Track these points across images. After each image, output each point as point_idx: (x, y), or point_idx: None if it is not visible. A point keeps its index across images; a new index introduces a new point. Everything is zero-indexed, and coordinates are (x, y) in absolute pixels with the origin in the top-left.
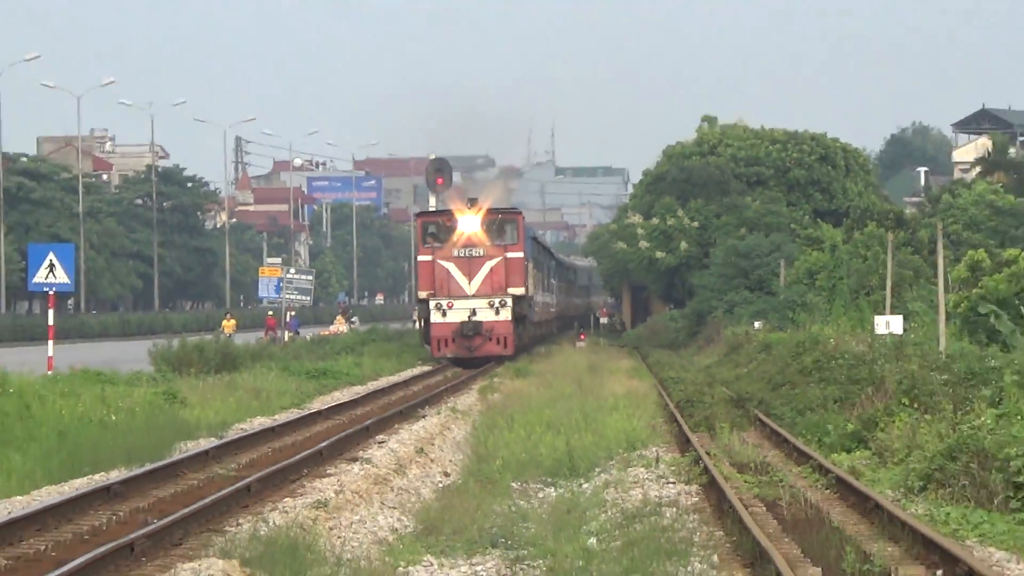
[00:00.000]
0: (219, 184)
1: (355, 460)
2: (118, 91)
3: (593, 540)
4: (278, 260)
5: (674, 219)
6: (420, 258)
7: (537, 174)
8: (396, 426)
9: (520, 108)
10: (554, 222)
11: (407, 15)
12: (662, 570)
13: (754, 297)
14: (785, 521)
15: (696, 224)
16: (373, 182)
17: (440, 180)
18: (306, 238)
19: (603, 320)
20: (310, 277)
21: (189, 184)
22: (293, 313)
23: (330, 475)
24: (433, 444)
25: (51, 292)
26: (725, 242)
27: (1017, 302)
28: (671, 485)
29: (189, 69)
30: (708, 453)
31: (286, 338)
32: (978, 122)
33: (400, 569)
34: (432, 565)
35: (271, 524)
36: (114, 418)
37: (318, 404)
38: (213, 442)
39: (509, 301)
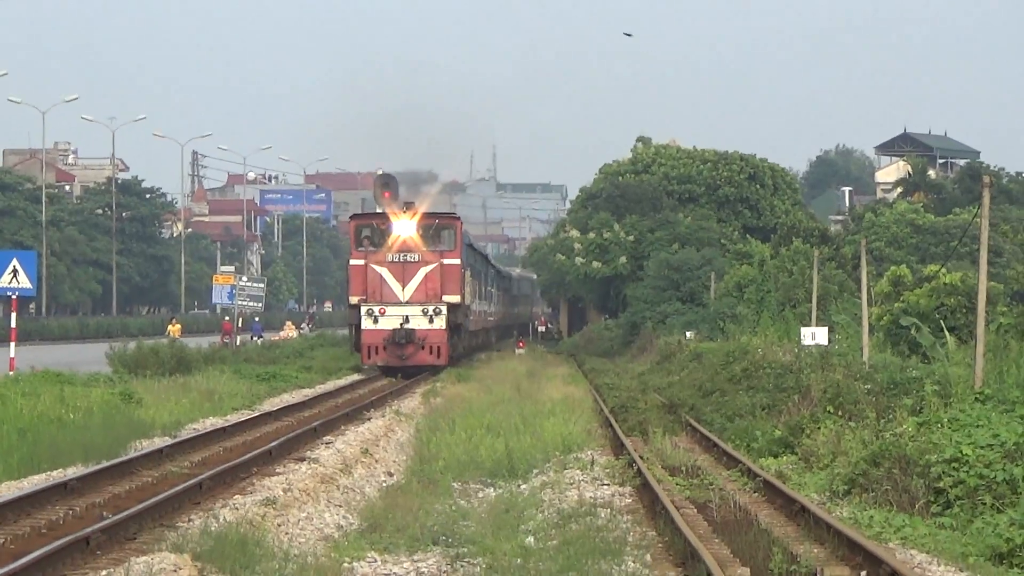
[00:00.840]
0: (176, 196)
1: (303, 460)
2: (81, 107)
3: (531, 539)
4: (231, 268)
5: (610, 233)
6: (352, 262)
7: (479, 189)
8: (343, 427)
9: (463, 127)
10: (495, 235)
11: (356, 33)
12: (596, 569)
13: (686, 308)
14: (715, 522)
15: (631, 238)
16: (323, 195)
17: (387, 194)
18: (258, 248)
19: (541, 329)
20: (262, 285)
21: (147, 195)
22: (257, 319)
23: (279, 474)
24: (378, 445)
25: (14, 296)
26: (658, 256)
27: (937, 316)
28: (606, 487)
29: (150, 86)
30: (641, 456)
31: (256, 341)
32: (899, 145)
33: (345, 565)
34: (376, 561)
35: (222, 520)
36: (72, 417)
37: (268, 406)
38: (167, 441)
39: (444, 309)
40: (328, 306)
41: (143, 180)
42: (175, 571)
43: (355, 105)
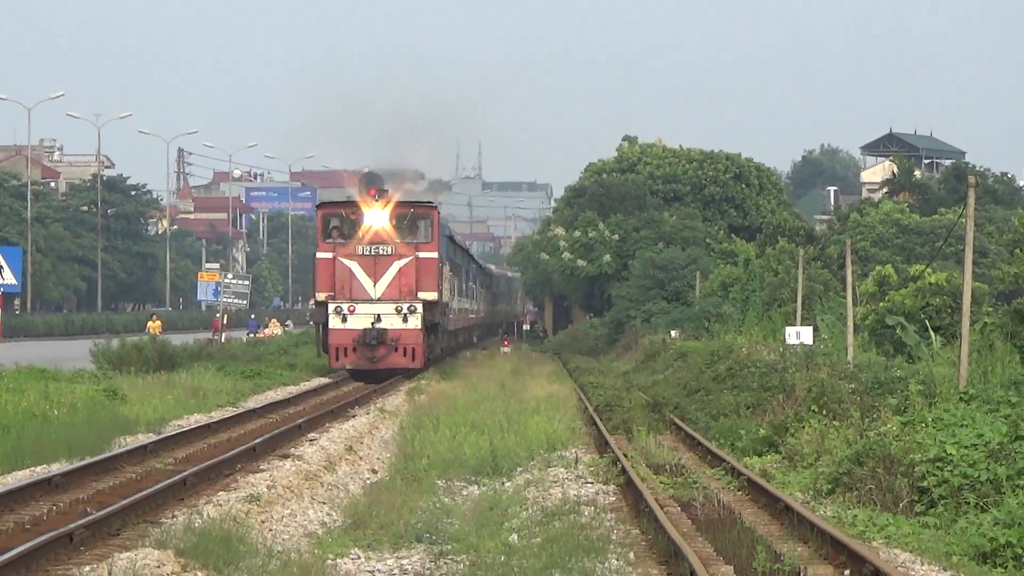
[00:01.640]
0: (162, 193)
1: (287, 457)
2: (67, 104)
3: (514, 536)
4: (216, 266)
5: (595, 231)
6: (319, 255)
7: (465, 188)
8: (327, 425)
9: (449, 120)
10: (481, 233)
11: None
12: (580, 566)
13: (671, 307)
14: (699, 521)
15: (616, 237)
16: (308, 193)
17: (372, 191)
18: (243, 245)
19: (526, 327)
20: (246, 282)
21: (133, 192)
22: (253, 316)
23: (263, 471)
24: (362, 442)
25: None
26: (643, 255)
27: (922, 315)
28: (590, 485)
29: (136, 82)
30: (625, 455)
31: (252, 337)
32: (885, 145)
33: (328, 561)
34: (359, 558)
35: (205, 516)
36: (56, 413)
37: (253, 403)
38: (151, 437)
39: (419, 307)
40: (312, 303)
41: (128, 177)
42: (158, 567)
43: (337, 99)
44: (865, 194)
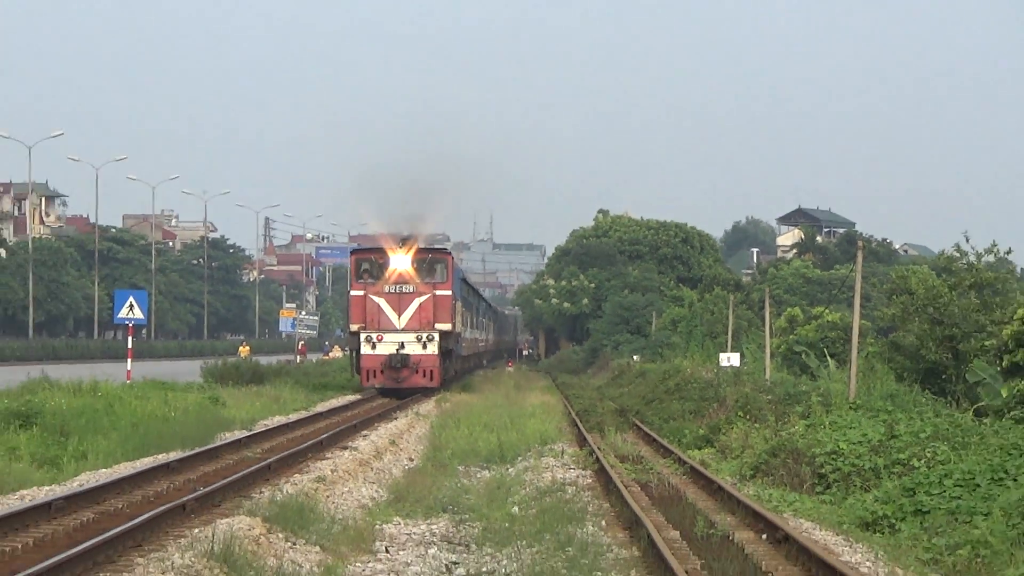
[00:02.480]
0: (252, 251)
1: (346, 448)
2: (182, 182)
3: (516, 508)
4: (293, 305)
5: (576, 281)
6: (353, 292)
7: (479, 248)
8: (376, 425)
9: (465, 190)
10: (491, 282)
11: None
12: (565, 531)
13: (633, 338)
14: (654, 497)
15: (592, 285)
16: None
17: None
18: (314, 290)
19: (525, 353)
20: (316, 318)
21: (231, 250)
22: (328, 342)
23: (328, 458)
24: (402, 438)
25: (130, 324)
26: (613, 299)
27: (821, 345)
28: (572, 470)
29: (235, 163)
30: (599, 448)
31: (325, 357)
32: (795, 217)
33: (376, 526)
34: (400, 524)
35: (285, 492)
36: (173, 415)
37: (320, 408)
38: (244, 433)
39: (436, 336)
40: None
41: (228, 238)
42: (250, 530)
43: (370, 171)
44: (780, 254)
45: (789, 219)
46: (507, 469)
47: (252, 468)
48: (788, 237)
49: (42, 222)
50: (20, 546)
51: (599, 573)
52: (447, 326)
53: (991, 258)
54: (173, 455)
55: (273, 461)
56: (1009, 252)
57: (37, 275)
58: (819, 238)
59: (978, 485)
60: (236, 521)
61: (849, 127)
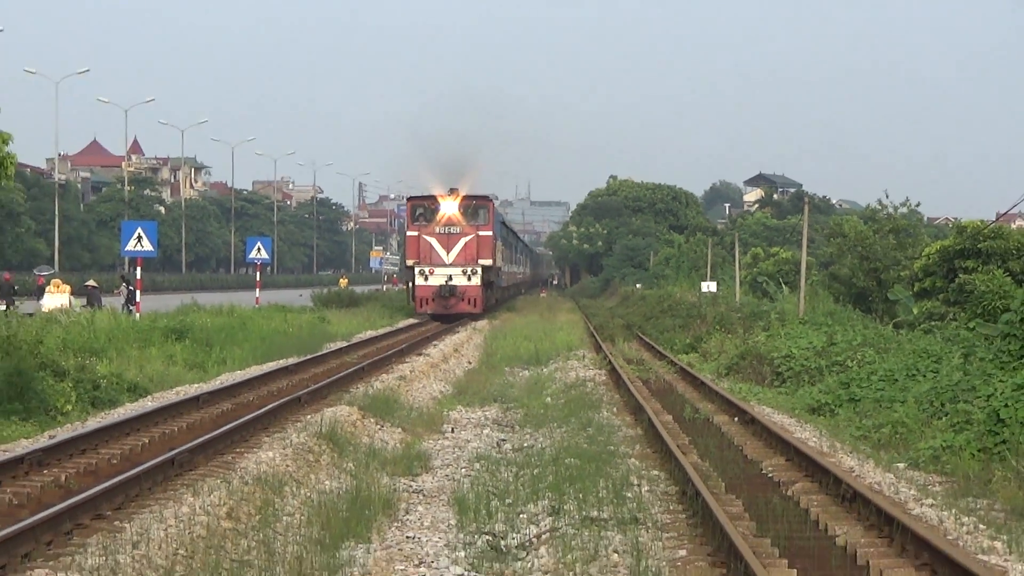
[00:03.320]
0: (349, 207)
1: (420, 355)
2: (297, 156)
3: (549, 399)
4: (380, 248)
5: (593, 229)
6: (409, 233)
7: (519, 204)
8: (443, 336)
9: (514, 157)
10: (528, 230)
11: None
12: (586, 415)
13: (636, 271)
14: (653, 390)
15: (605, 232)
16: None
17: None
18: (395, 236)
19: (554, 283)
20: (397, 257)
21: (332, 207)
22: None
23: (407, 362)
24: (463, 346)
25: (258, 263)
26: (621, 242)
27: (778, 276)
28: (591, 370)
29: (336, 136)
30: (611, 353)
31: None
32: (757, 180)
33: (444, 412)
34: (461, 411)
35: (375, 388)
36: (290, 330)
37: (401, 325)
38: (344, 344)
39: (479, 270)
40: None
41: (331, 199)
42: (348, 416)
43: (436, 136)
44: (746, 208)
45: (753, 181)
46: (542, 369)
47: (350, 370)
48: (752, 195)
49: (191, 187)
50: (176, 429)
51: (612, 447)
52: (488, 261)
53: (905, 210)
54: (291, 360)
55: (366, 364)
56: (918, 205)
57: (188, 227)
58: (776, 196)
59: (896, 379)
60: (338, 410)
61: (800, 106)
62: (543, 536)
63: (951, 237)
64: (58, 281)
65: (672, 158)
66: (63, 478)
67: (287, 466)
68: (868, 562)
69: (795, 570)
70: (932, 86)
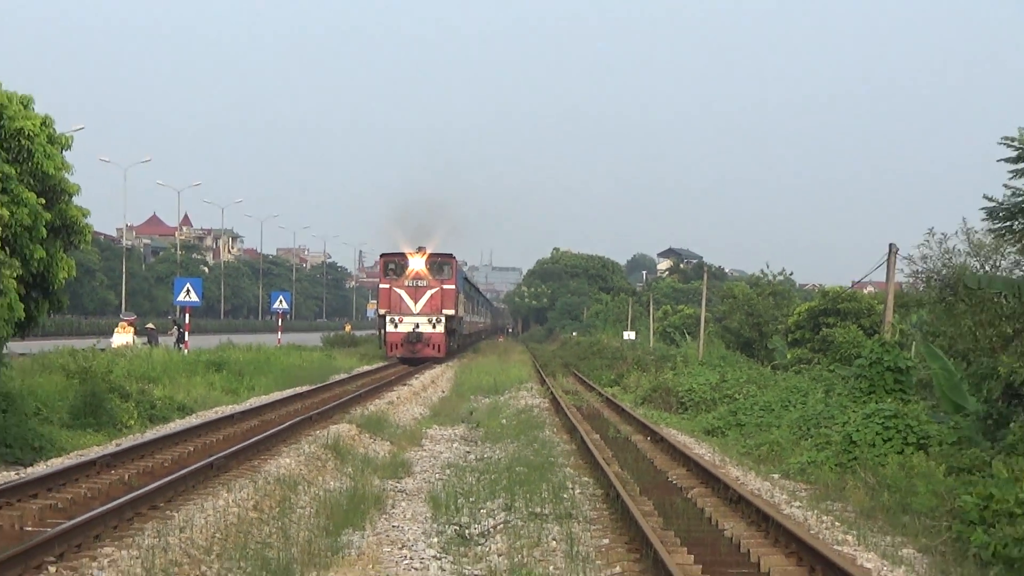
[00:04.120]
0: (352, 269)
1: (405, 384)
2: (312, 228)
3: (504, 420)
4: (375, 301)
5: (540, 289)
6: (381, 285)
7: (484, 269)
8: (423, 371)
9: (479, 226)
10: (490, 289)
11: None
12: (533, 433)
13: (573, 323)
14: (585, 415)
15: (550, 291)
16: None
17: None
18: None
19: (509, 331)
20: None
21: (338, 269)
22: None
23: (394, 390)
24: (438, 379)
25: (280, 312)
26: (561, 299)
27: (683, 328)
28: (537, 398)
29: (341, 211)
30: (552, 386)
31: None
32: (668, 253)
33: (423, 429)
34: (437, 429)
35: (369, 410)
36: (304, 364)
37: (390, 362)
38: (345, 375)
39: (443, 319)
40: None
41: (337, 262)
42: (349, 431)
43: (410, 205)
44: (659, 274)
45: (665, 254)
46: (499, 397)
47: (350, 396)
48: (664, 264)
49: (229, 252)
50: (215, 440)
51: (552, 458)
52: (451, 311)
53: (781, 277)
54: (305, 388)
55: (362, 392)
56: (792, 273)
57: (226, 283)
58: (682, 265)
59: (773, 409)
60: (341, 427)
61: (705, 192)
62: (499, 527)
63: (817, 299)
64: (124, 324)
65: (603, 233)
66: (126, 477)
67: (300, 470)
68: (749, 550)
69: (692, 556)
70: (794, 178)
